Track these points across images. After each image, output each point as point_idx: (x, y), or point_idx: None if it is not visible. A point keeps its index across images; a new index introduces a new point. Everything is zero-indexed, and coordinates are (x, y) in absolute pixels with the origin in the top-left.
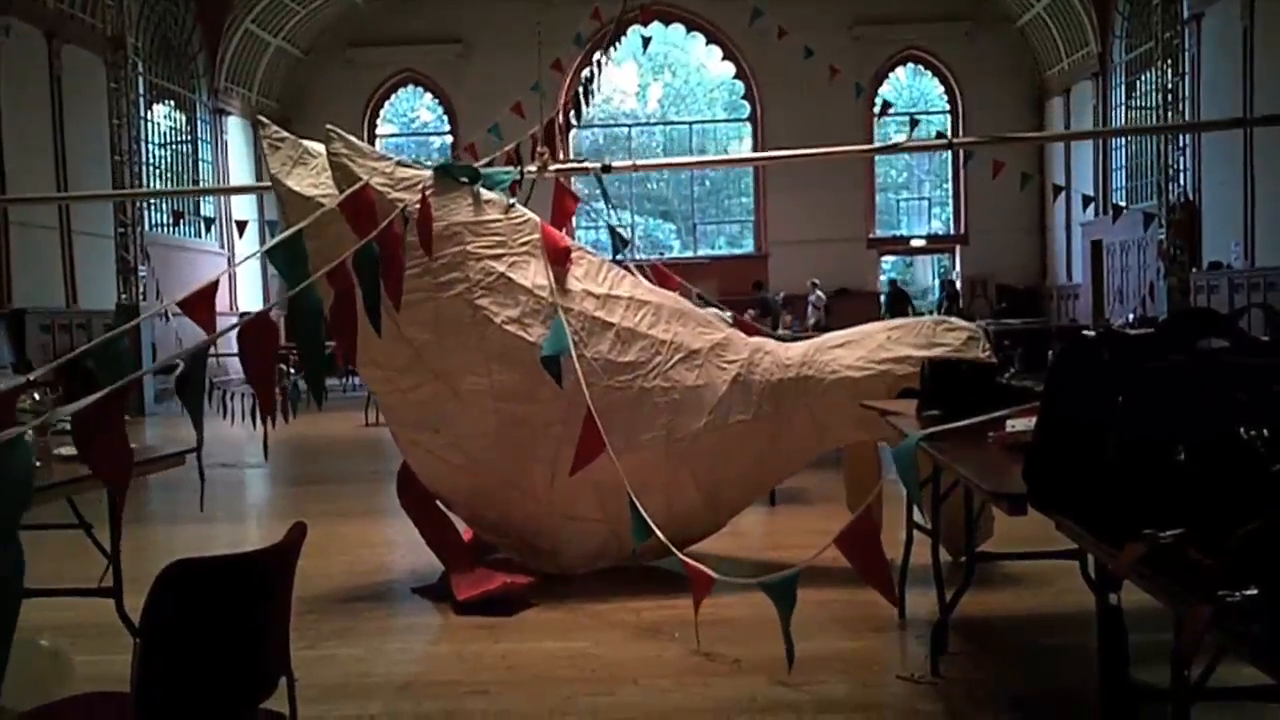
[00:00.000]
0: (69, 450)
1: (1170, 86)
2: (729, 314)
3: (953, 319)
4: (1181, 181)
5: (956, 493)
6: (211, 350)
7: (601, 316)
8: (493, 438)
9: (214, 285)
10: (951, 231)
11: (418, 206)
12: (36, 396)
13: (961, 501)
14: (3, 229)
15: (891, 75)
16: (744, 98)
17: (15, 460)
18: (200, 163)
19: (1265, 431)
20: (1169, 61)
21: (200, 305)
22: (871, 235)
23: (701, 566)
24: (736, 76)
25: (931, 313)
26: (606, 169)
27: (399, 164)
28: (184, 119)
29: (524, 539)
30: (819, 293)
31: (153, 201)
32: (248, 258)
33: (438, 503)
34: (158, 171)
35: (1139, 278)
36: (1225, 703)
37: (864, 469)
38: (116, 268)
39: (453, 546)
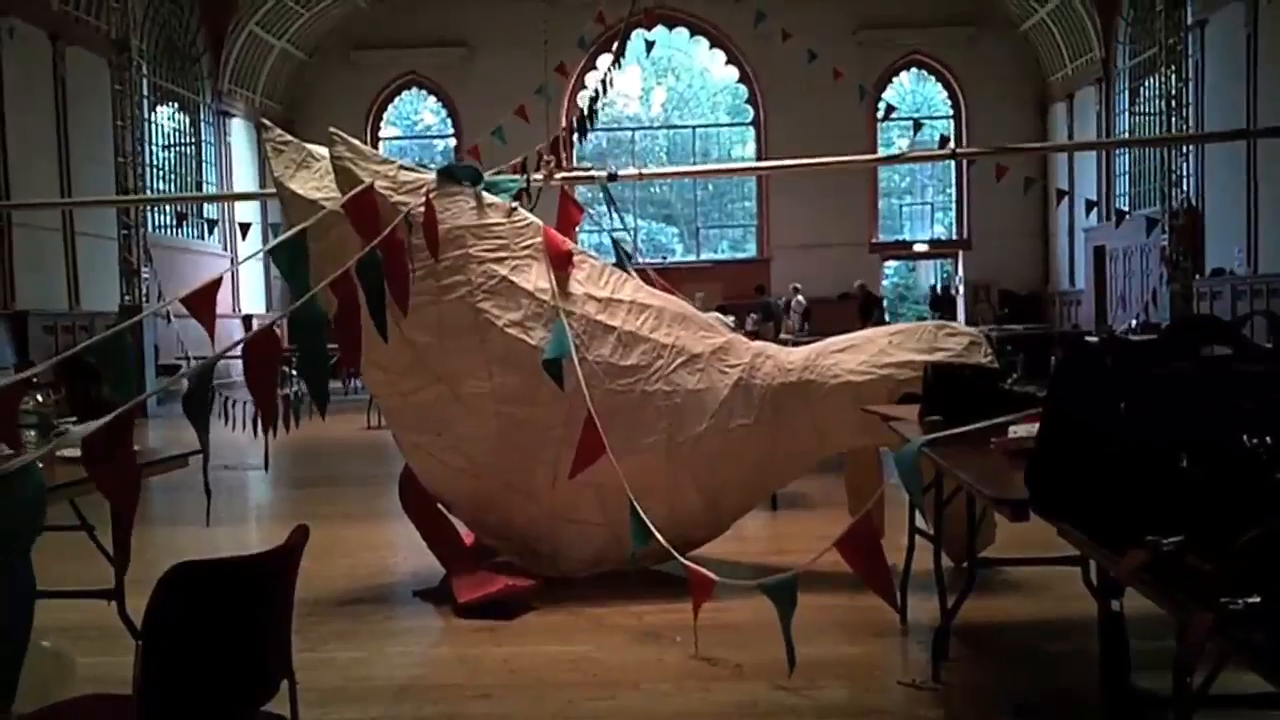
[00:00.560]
0: (72, 451)
1: (1174, 93)
2: (730, 319)
3: (954, 324)
4: (1185, 187)
5: (958, 498)
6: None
7: (603, 320)
8: (494, 440)
9: (216, 282)
10: (954, 236)
11: (422, 210)
12: (40, 398)
13: (963, 507)
14: (6, 230)
15: (895, 80)
16: (747, 102)
17: (28, 482)
18: (204, 165)
19: (1267, 439)
20: (1173, 68)
21: (202, 303)
22: (874, 240)
23: (702, 569)
24: (740, 81)
25: (925, 318)
26: (613, 178)
27: (402, 168)
28: (188, 121)
29: (525, 542)
30: (800, 298)
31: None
32: (249, 257)
33: (439, 505)
34: (161, 173)
35: (1142, 284)
36: (1227, 710)
37: (865, 474)
38: (119, 269)
39: (454, 549)
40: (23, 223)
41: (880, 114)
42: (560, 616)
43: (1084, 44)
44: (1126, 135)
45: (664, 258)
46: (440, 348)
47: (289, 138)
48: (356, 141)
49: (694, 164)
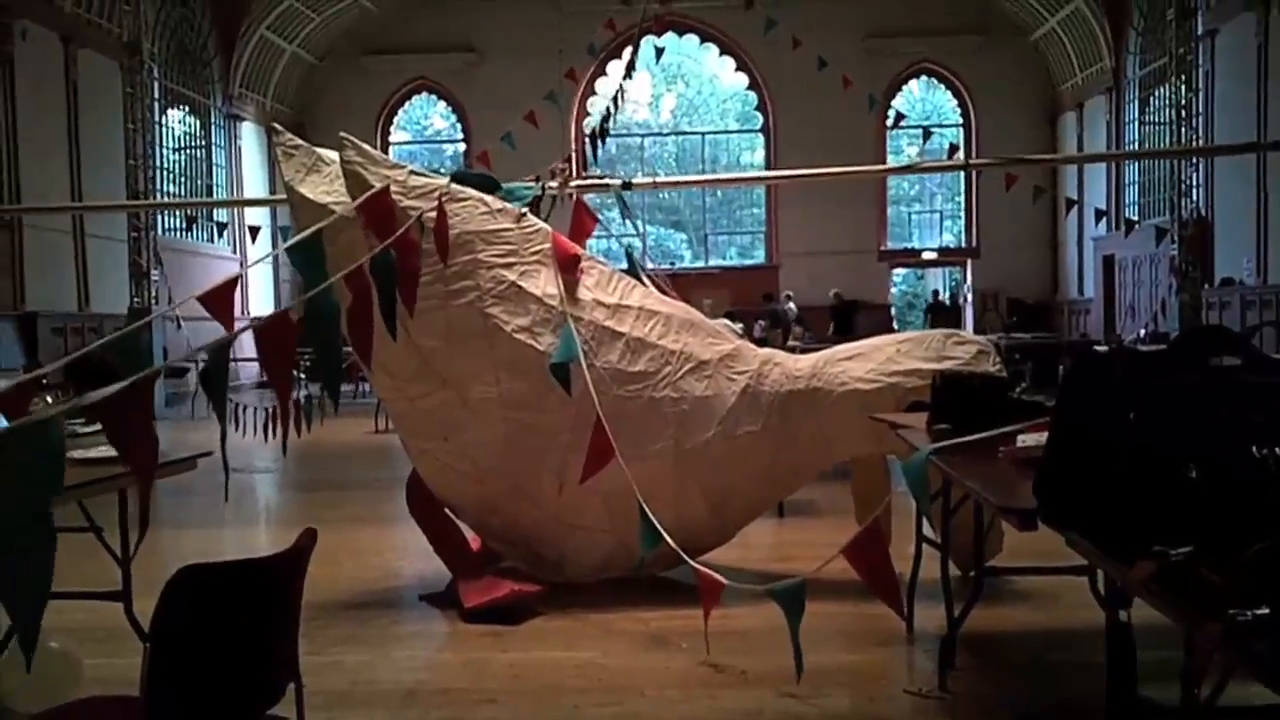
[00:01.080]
0: (81, 453)
1: (1184, 103)
2: (739, 326)
3: (963, 332)
4: (1194, 197)
5: (966, 507)
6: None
7: (611, 326)
8: (501, 446)
9: (234, 282)
10: (963, 244)
11: (433, 214)
12: (50, 400)
13: (971, 516)
14: (17, 232)
15: (904, 88)
16: (757, 109)
17: (48, 437)
18: (214, 168)
19: (1277, 450)
20: (1183, 78)
21: (220, 302)
22: (883, 247)
23: (711, 572)
24: (749, 88)
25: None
26: (628, 185)
27: (412, 172)
28: (198, 124)
29: (531, 547)
30: (791, 305)
31: None
32: (263, 258)
33: (446, 510)
34: (171, 176)
35: (1151, 293)
36: None
37: (873, 482)
38: (129, 272)
39: (461, 554)
40: (33, 224)
41: (890, 121)
42: (566, 622)
43: (1094, 53)
44: (1136, 145)
45: (672, 264)
46: (448, 353)
47: (299, 142)
48: (367, 146)
49: (703, 170)
